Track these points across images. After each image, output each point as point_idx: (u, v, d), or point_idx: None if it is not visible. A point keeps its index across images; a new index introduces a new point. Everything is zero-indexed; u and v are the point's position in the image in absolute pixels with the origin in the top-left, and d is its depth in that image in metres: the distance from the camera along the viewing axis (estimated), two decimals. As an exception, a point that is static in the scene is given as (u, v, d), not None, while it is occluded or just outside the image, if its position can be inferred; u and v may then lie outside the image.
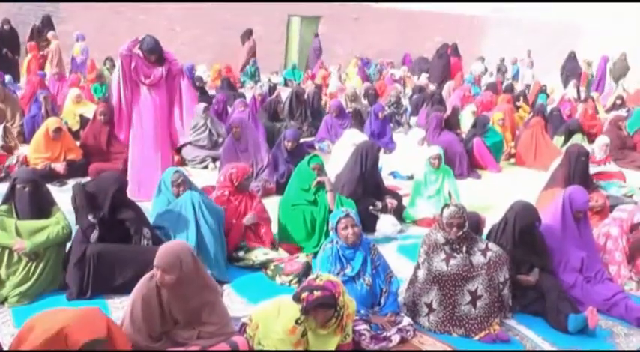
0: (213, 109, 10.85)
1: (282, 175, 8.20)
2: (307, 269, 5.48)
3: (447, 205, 4.92)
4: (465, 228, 4.79)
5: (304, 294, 3.68)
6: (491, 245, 4.91)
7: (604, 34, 26.01)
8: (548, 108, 13.61)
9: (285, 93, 13.39)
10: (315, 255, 5.78)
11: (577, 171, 7.33)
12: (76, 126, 10.57)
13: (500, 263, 4.80)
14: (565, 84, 19.52)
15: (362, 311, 4.47)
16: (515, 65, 23.48)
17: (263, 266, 5.67)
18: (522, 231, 5.19)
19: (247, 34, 20.62)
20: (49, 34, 15.99)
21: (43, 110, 10.25)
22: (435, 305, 4.72)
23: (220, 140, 9.46)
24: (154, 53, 7.22)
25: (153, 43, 7.18)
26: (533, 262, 5.20)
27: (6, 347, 3.93)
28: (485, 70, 21.74)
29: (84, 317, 3.36)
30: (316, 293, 3.65)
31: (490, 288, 4.70)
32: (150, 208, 6.08)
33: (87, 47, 16.59)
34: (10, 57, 15.53)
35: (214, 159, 9.20)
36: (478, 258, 4.76)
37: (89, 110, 10.62)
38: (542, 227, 5.38)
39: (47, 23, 16.84)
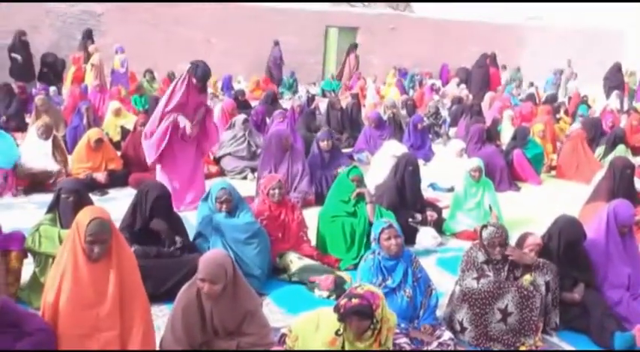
0: (252, 121, 10.91)
1: (317, 182, 8.24)
2: (340, 284, 5.43)
3: (484, 226, 4.88)
4: (507, 245, 4.75)
5: (343, 301, 3.65)
6: (540, 259, 4.85)
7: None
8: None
9: (323, 105, 13.42)
10: (355, 266, 5.80)
11: (622, 185, 7.17)
12: (116, 138, 10.73)
13: (549, 269, 4.75)
14: (608, 95, 19.09)
15: (402, 325, 4.43)
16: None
17: (301, 281, 5.66)
18: (567, 247, 5.09)
19: (353, 48, 21.52)
20: (90, 47, 16.28)
21: (84, 121, 10.42)
22: (465, 324, 4.67)
23: (259, 151, 9.51)
24: (205, 81, 7.46)
25: (206, 71, 7.37)
26: (577, 277, 5.09)
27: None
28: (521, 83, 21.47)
29: (89, 208, 4.16)
30: (354, 301, 3.61)
31: (521, 305, 4.58)
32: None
33: (126, 59, 16.85)
34: (19, 61, 15.81)
35: (253, 170, 9.24)
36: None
37: (129, 121, 10.77)
38: (585, 242, 5.26)
39: (88, 36, 17.16)
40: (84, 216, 3.83)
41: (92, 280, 3.77)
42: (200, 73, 7.28)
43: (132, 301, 3.86)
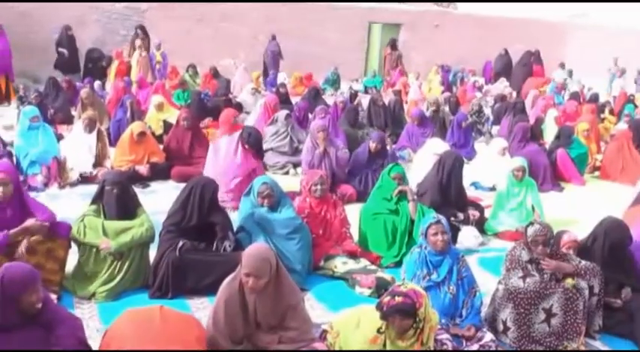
0: (294, 116, 10.91)
1: (360, 181, 8.21)
2: (382, 284, 5.36)
3: (530, 223, 4.81)
4: (551, 246, 4.67)
5: (386, 299, 3.64)
6: (583, 262, 4.76)
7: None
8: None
9: (366, 101, 13.39)
10: (396, 264, 5.81)
11: (669, 187, 7.02)
12: (159, 131, 10.83)
13: (593, 273, 4.66)
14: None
15: (443, 321, 4.40)
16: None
17: (342, 277, 5.65)
18: (612, 249, 4.98)
19: (388, 44, 21.59)
20: (136, 42, 16.48)
21: (128, 114, 10.55)
22: (509, 324, 4.61)
23: (301, 147, 9.51)
24: (258, 147, 7.93)
25: (258, 139, 7.91)
26: (622, 281, 4.98)
27: (92, 341, 4.03)
28: (570, 74, 21.05)
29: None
30: (397, 299, 3.59)
31: (566, 307, 4.51)
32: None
33: (165, 53, 16.98)
34: (66, 55, 16.14)
35: (295, 166, 9.30)
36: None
37: (172, 115, 10.87)
38: (631, 245, 5.14)
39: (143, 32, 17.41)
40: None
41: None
42: (253, 141, 7.72)
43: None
